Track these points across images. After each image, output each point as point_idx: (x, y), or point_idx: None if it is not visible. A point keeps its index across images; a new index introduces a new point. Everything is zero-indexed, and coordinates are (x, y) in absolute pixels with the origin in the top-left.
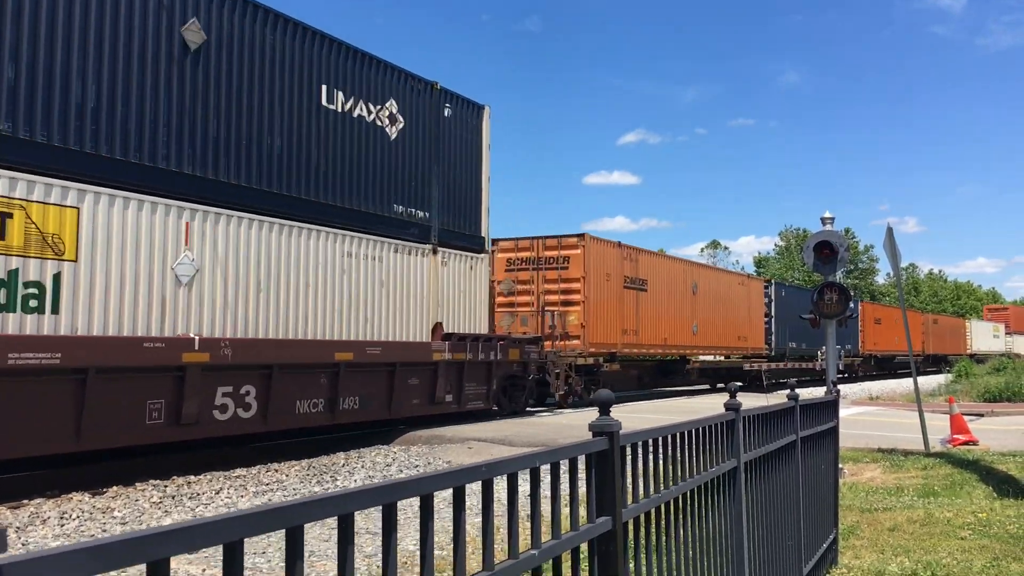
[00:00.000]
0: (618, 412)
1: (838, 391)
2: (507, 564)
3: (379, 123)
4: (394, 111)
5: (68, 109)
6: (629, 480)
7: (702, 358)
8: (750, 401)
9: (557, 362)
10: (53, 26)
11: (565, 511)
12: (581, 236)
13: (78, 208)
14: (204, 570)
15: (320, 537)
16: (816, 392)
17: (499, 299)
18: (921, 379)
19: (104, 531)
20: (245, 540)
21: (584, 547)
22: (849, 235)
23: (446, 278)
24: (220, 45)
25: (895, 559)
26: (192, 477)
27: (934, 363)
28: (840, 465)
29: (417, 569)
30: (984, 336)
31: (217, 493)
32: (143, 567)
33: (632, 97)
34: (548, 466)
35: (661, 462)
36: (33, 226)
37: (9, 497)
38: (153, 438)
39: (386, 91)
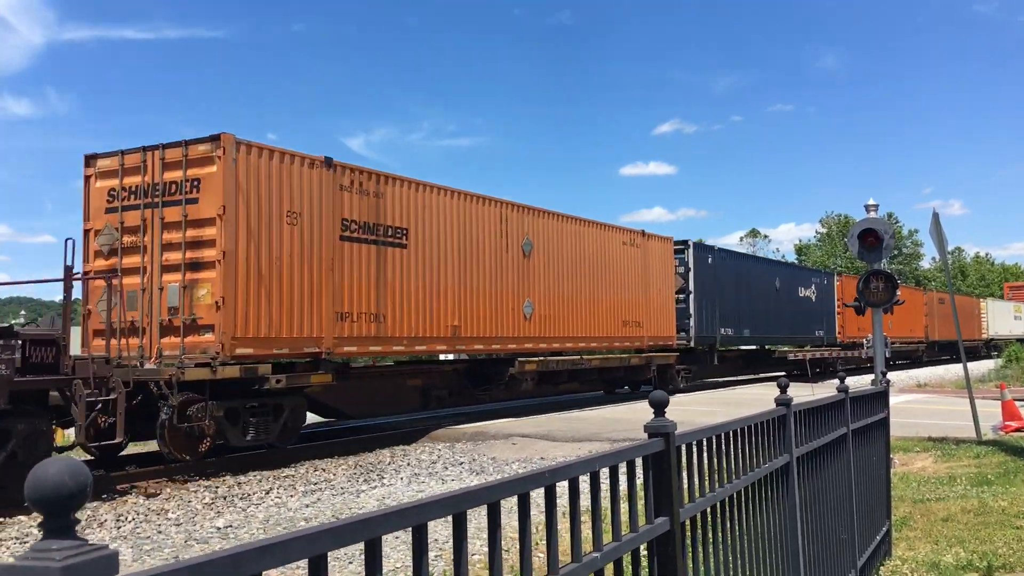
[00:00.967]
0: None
1: (888, 381)
2: (571, 568)
3: None
4: None
5: None
6: (684, 479)
7: (547, 357)
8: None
9: (122, 377)
10: None
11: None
12: (217, 139)
13: None
14: None
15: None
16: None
17: (98, 263)
18: (951, 367)
19: (160, 533)
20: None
21: (642, 547)
22: (892, 219)
23: None
24: None
25: (950, 550)
26: (242, 477)
27: (943, 351)
28: (891, 455)
29: (485, 573)
30: (1004, 318)
31: (267, 493)
32: None
33: (666, 87)
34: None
35: (715, 460)
36: None
37: None
38: None
39: None
